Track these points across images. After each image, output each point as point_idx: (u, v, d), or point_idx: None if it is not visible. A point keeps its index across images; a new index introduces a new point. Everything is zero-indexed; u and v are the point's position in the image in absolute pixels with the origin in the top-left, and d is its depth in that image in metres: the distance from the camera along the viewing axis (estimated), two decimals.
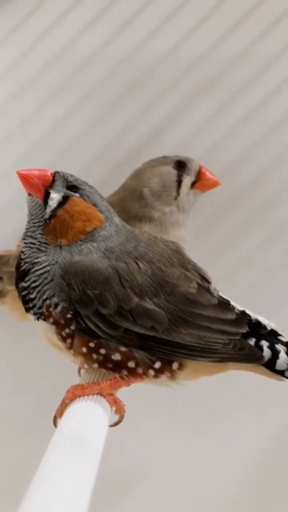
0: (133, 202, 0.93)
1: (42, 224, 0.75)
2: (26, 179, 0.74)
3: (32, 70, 1.04)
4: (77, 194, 0.75)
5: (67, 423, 0.66)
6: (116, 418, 0.73)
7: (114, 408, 0.72)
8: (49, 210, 0.74)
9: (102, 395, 0.72)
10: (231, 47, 1.03)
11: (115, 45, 1.03)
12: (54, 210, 0.74)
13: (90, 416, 0.68)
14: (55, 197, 0.74)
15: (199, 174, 0.96)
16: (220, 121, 1.05)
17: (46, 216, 0.74)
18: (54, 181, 0.75)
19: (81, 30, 1.03)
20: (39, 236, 0.75)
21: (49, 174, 0.75)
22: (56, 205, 0.74)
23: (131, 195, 0.94)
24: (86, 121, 1.05)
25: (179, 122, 1.05)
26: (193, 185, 0.96)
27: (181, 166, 0.95)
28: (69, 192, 0.75)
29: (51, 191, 0.75)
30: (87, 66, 1.04)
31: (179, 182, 0.95)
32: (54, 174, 0.75)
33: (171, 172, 0.95)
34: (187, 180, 0.95)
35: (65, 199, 0.75)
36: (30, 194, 0.75)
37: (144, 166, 0.97)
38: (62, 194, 0.75)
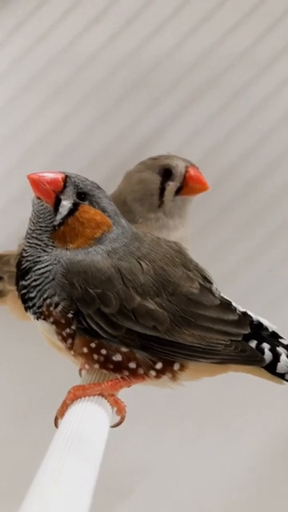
0: (119, 206, 0.92)
1: (50, 229, 0.74)
2: (36, 184, 0.73)
3: (32, 71, 1.04)
4: (86, 202, 0.74)
5: (68, 424, 0.65)
6: (117, 418, 0.73)
7: (115, 409, 0.72)
8: (59, 217, 0.74)
9: (103, 396, 0.71)
10: (231, 48, 1.03)
11: (115, 45, 1.03)
12: (65, 218, 0.74)
13: (91, 417, 0.68)
14: (66, 204, 0.73)
15: (185, 180, 0.92)
16: (220, 121, 1.05)
17: (56, 222, 0.74)
18: (64, 186, 0.74)
19: (81, 31, 1.03)
20: (46, 239, 0.74)
21: (60, 179, 0.73)
22: (67, 212, 0.73)
23: (117, 199, 0.91)
24: (87, 121, 1.05)
25: (179, 123, 1.05)
26: (179, 190, 0.92)
27: (166, 172, 0.92)
28: (78, 199, 0.74)
29: (62, 198, 0.74)
30: (87, 67, 1.04)
31: (162, 190, 0.92)
32: (65, 179, 0.74)
33: (154, 179, 0.92)
34: (171, 187, 0.92)
35: (75, 206, 0.74)
36: (38, 198, 0.74)
37: (132, 170, 0.95)
38: (73, 201, 0.74)
